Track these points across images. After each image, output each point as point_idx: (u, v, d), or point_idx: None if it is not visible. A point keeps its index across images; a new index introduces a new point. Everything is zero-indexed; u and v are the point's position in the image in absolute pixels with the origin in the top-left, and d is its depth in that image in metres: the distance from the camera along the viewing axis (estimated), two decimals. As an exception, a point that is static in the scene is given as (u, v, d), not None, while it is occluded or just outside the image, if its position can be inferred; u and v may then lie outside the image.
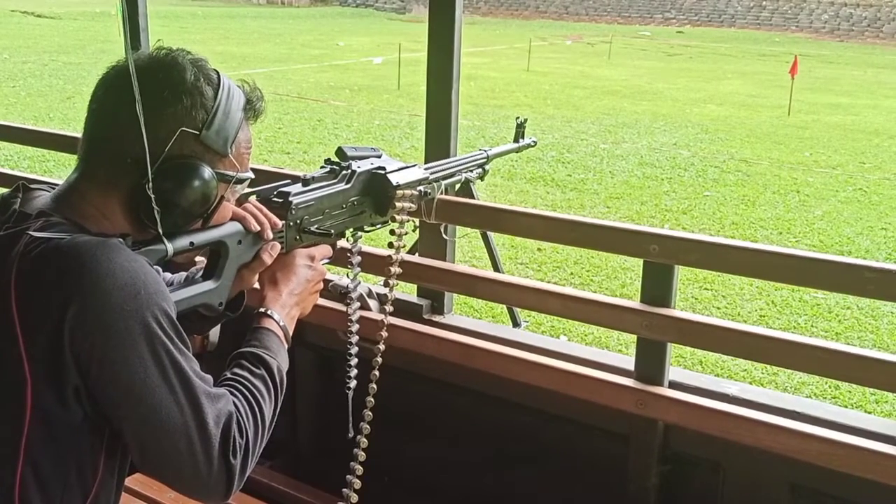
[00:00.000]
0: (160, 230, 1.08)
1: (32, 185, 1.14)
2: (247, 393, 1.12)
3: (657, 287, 1.66)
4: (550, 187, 8.25)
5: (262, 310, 1.24)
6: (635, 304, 1.69)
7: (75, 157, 1.13)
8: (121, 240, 1.02)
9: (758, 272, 1.67)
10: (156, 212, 1.06)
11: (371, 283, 2.08)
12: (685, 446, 1.69)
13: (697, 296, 5.33)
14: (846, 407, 3.82)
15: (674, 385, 1.69)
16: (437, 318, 2.01)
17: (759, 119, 12.61)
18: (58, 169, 7.36)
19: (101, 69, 1.15)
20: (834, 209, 7.72)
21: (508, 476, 1.97)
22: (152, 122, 1.04)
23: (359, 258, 1.51)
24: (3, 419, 0.99)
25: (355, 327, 1.51)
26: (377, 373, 1.53)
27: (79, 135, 1.12)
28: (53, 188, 1.13)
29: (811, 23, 33.64)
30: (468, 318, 2.25)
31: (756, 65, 19.91)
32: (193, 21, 25.20)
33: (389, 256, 1.58)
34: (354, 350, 1.51)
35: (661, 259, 1.64)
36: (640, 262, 1.68)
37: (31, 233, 0.99)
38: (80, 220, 1.06)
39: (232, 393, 1.10)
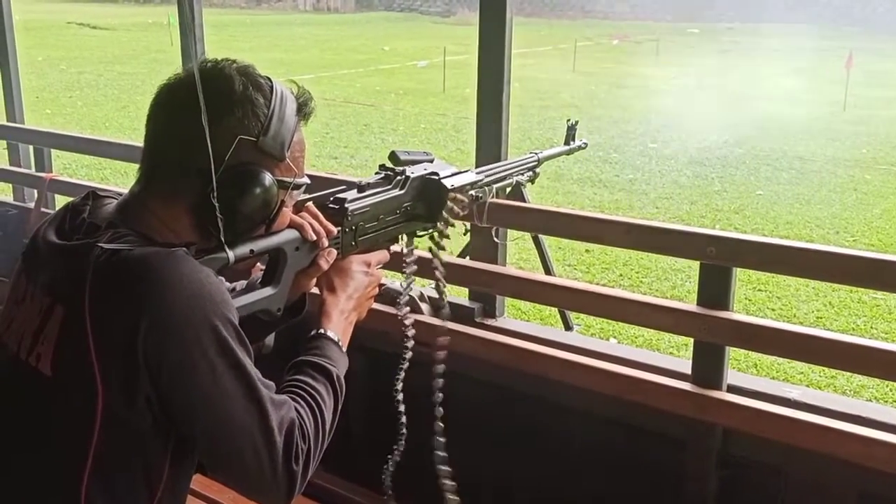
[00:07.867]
0: (223, 238, 1.10)
1: (102, 193, 1.18)
2: (309, 399, 1.14)
3: (715, 289, 1.63)
4: (598, 188, 8.18)
5: (321, 329, 1.25)
6: (693, 306, 1.66)
7: (128, 164, 1.16)
8: (185, 250, 1.05)
9: (822, 274, 1.63)
10: (219, 220, 1.08)
11: (421, 286, 2.09)
12: (745, 451, 1.66)
13: (751, 297, 5.23)
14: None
15: (732, 389, 1.66)
16: (489, 322, 2.01)
17: (813, 115, 12.30)
18: (114, 177, 7.55)
19: (154, 78, 1.17)
20: (893, 207, 7.50)
21: (559, 481, 1.95)
22: (210, 133, 1.06)
23: (414, 267, 1.51)
24: (73, 424, 1.02)
25: (411, 332, 1.51)
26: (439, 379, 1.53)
27: (134, 143, 1.15)
28: (120, 196, 1.16)
29: (865, 17, 32.75)
30: (520, 321, 2.24)
31: (808, 60, 19.43)
32: (242, 29, 25.62)
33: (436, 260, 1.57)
34: (408, 355, 1.51)
35: (718, 261, 1.61)
36: (691, 262, 1.66)
37: (101, 245, 1.03)
38: (146, 230, 1.09)
39: (294, 400, 1.12)
